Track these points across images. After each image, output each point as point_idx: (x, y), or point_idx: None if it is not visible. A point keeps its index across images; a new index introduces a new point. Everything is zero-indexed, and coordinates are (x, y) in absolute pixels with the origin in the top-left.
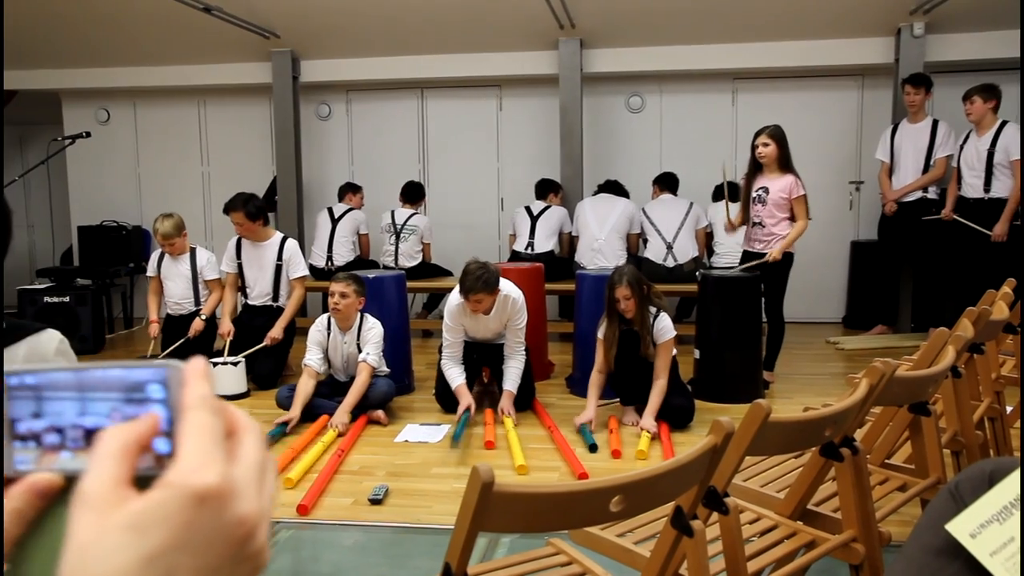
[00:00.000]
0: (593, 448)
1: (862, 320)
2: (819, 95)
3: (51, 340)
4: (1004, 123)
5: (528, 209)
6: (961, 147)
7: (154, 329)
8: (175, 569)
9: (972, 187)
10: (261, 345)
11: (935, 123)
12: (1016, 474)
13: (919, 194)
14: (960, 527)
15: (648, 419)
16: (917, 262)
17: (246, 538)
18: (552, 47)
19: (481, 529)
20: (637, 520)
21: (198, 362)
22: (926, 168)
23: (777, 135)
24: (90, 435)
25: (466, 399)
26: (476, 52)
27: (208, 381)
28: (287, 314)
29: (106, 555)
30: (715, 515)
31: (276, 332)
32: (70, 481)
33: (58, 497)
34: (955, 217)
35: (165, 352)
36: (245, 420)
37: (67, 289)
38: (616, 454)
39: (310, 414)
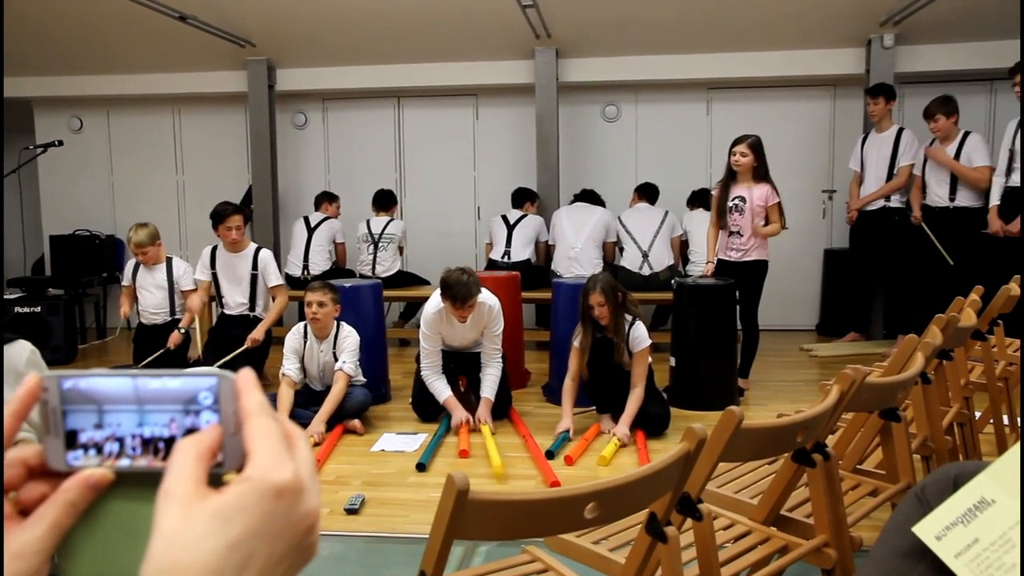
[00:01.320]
0: (550, 455)
1: (835, 327)
2: (792, 105)
3: (22, 351)
4: (967, 133)
5: (504, 218)
6: (926, 158)
7: (125, 311)
8: (253, 555)
9: (938, 196)
10: (243, 348)
11: (900, 132)
12: (979, 478)
13: (881, 203)
14: (926, 529)
15: (622, 427)
16: (885, 270)
17: (309, 530)
18: (528, 56)
19: (456, 537)
20: (612, 527)
21: (247, 373)
22: (889, 177)
23: (756, 146)
24: (147, 444)
25: (461, 412)
26: (452, 61)
27: (259, 390)
28: (269, 319)
29: (195, 541)
30: (689, 521)
31: (257, 334)
32: (120, 477)
33: (108, 491)
34: (924, 226)
35: (142, 363)
36: (293, 426)
37: (38, 299)
38: (568, 460)
39: None
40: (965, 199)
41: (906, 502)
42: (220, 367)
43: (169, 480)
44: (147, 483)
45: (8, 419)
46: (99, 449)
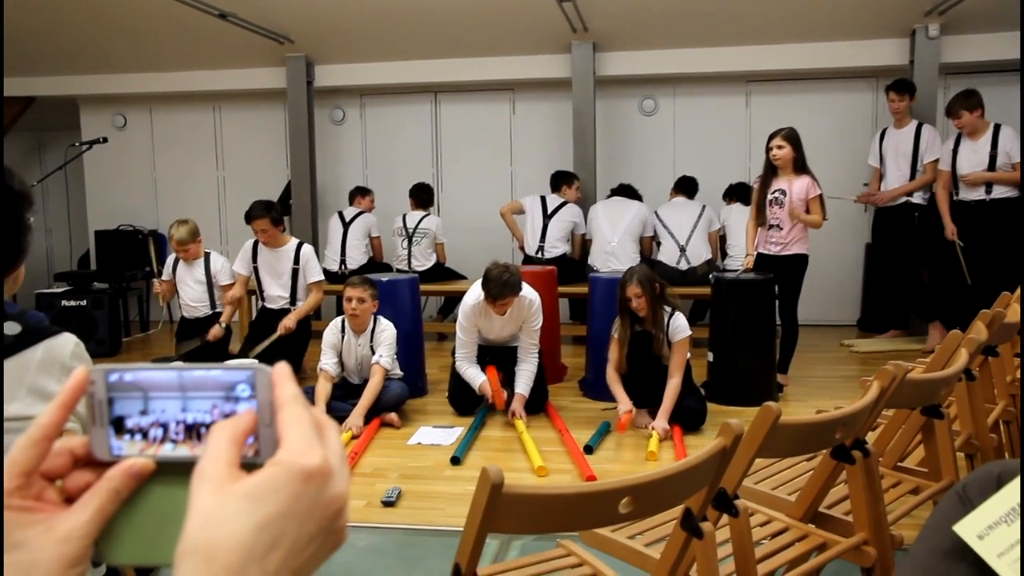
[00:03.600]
0: (588, 450)
1: (877, 323)
2: (833, 97)
3: (67, 344)
4: (998, 126)
5: (543, 203)
6: (953, 152)
7: (158, 286)
8: (282, 534)
9: (974, 191)
10: (276, 335)
11: (919, 127)
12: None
13: (903, 199)
14: (967, 529)
15: (661, 420)
16: (904, 266)
17: (337, 513)
18: (565, 50)
19: (490, 530)
20: (648, 522)
21: (283, 366)
22: (911, 173)
23: (792, 137)
24: (191, 429)
25: (496, 393)
26: (489, 56)
27: (293, 381)
28: (302, 309)
29: (227, 519)
30: (725, 517)
31: (290, 321)
32: (161, 466)
33: (149, 479)
34: (957, 242)
35: (181, 353)
36: (325, 416)
37: (84, 293)
38: (652, 456)
39: None
40: (1002, 191)
41: (947, 500)
42: (255, 357)
43: (204, 462)
44: (187, 471)
45: (56, 409)
46: (144, 434)
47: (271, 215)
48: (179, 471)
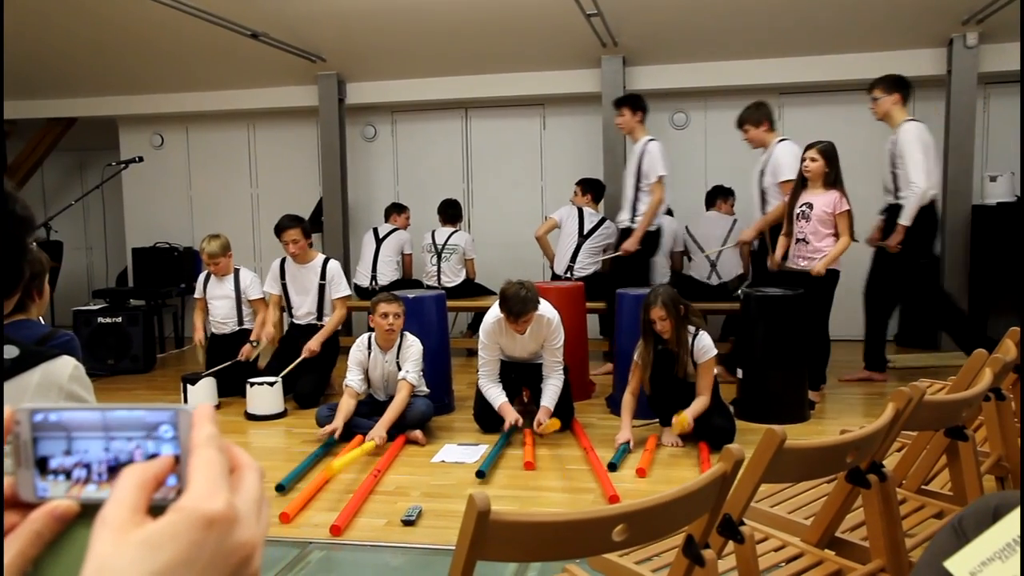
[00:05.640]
0: (612, 467)
1: (915, 338)
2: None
3: (65, 366)
4: (780, 142)
5: (580, 220)
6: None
7: (200, 339)
8: None
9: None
10: (300, 359)
11: (647, 143)
12: (1018, 511)
13: (627, 222)
14: (960, 565)
15: (689, 413)
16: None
17: (245, 561)
18: (595, 65)
19: (479, 558)
20: (657, 546)
21: (205, 407)
22: (635, 191)
23: (827, 152)
24: (113, 470)
25: (511, 415)
26: (519, 71)
27: (214, 423)
28: (326, 329)
29: (123, 568)
30: (732, 543)
31: (314, 344)
32: (85, 508)
33: (74, 521)
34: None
35: (212, 370)
36: (247, 458)
37: (120, 310)
38: (641, 472)
39: (349, 433)
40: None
41: (943, 533)
42: (283, 377)
43: (107, 506)
44: None
45: None
46: (68, 475)
47: (302, 225)
48: None
